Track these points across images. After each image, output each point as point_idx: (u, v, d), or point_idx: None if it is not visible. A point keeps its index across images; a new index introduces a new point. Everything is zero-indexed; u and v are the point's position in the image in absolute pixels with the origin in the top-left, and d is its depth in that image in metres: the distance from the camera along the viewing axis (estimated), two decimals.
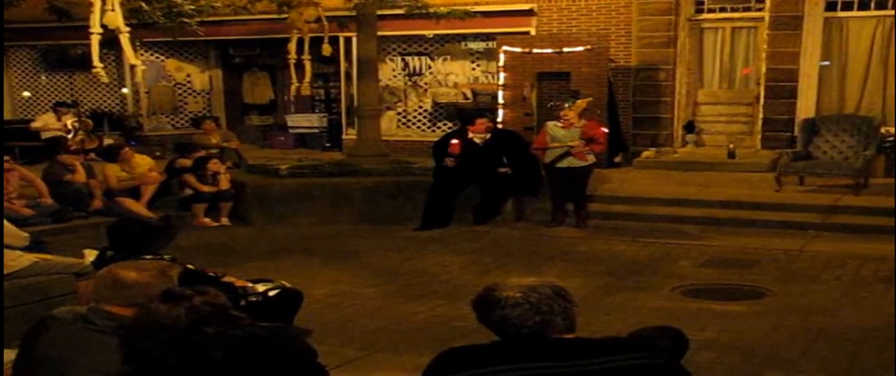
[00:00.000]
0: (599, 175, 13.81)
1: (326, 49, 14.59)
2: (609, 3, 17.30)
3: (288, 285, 7.20)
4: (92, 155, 16.94)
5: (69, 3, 12.87)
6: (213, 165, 13.95)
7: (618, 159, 16.33)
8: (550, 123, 13.04)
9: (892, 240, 10.90)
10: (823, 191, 13.56)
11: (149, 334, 3.13)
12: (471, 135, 13.41)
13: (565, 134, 12.71)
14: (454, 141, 13.24)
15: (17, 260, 7.44)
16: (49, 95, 23.11)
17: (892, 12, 15.63)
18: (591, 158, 12.85)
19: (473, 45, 19.58)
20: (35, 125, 19.46)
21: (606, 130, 14.15)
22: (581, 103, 13.25)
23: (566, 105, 13.17)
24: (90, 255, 7.21)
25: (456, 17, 15.43)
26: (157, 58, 22.09)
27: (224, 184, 13.88)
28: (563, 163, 12.70)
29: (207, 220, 13.61)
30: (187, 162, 14.39)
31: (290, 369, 3.43)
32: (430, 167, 13.70)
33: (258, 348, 3.30)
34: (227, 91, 23.26)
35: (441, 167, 13.30)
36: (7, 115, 20.90)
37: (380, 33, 15.37)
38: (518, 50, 16.68)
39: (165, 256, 6.27)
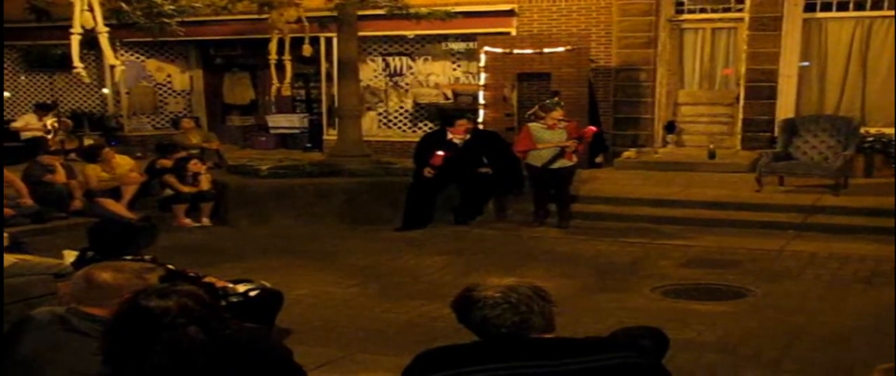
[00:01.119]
0: (580, 175, 13.83)
1: (307, 49, 14.56)
2: (589, 4, 17.32)
3: (268, 285, 7.23)
4: (72, 155, 16.88)
5: (49, 3, 12.79)
6: (194, 166, 13.92)
7: (599, 159, 16.35)
8: (533, 125, 12.99)
9: (872, 240, 10.98)
10: (803, 191, 13.61)
11: (136, 329, 3.12)
12: (450, 136, 13.40)
13: (552, 134, 12.71)
14: (439, 153, 13.14)
15: None
16: (29, 96, 23.01)
17: (871, 13, 15.71)
18: (575, 158, 12.90)
19: (454, 46, 19.56)
20: (15, 125, 19.37)
21: (595, 128, 14.23)
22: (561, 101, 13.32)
23: (547, 102, 13.15)
24: (70, 256, 7.20)
25: (437, 18, 15.40)
26: (138, 58, 21.98)
27: (205, 184, 13.85)
28: (556, 165, 12.72)
29: (188, 221, 13.57)
30: (168, 162, 14.34)
31: (266, 369, 3.42)
32: (411, 167, 13.68)
33: (233, 348, 3.29)
34: (208, 91, 23.17)
35: (421, 169, 13.26)
36: None
37: (361, 34, 15.35)
38: (499, 50, 16.67)
39: (146, 257, 6.27)
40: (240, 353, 3.32)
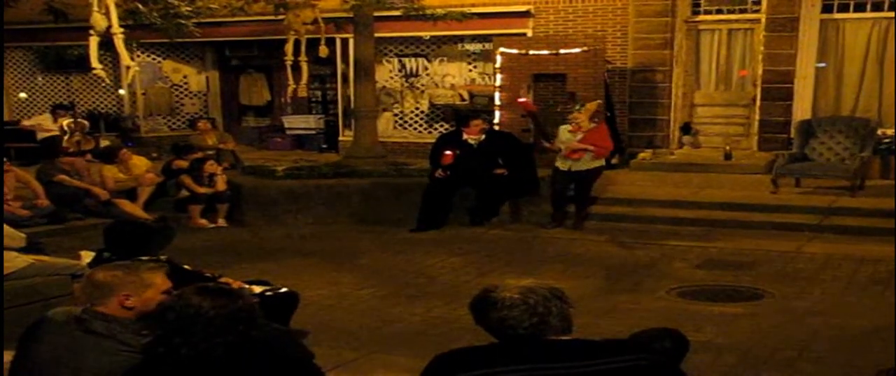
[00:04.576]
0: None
1: (323, 50, 14.55)
2: (606, 5, 17.28)
3: (284, 287, 7.23)
4: (88, 156, 16.92)
5: (66, 4, 12.84)
6: (210, 167, 13.94)
7: (614, 161, 16.26)
8: (563, 126, 13.06)
9: (889, 242, 10.92)
10: (820, 192, 13.57)
11: (181, 324, 3.15)
12: (465, 136, 13.41)
13: (570, 137, 12.73)
14: (447, 152, 13.18)
15: (14, 260, 7.45)
16: (46, 96, 23.06)
17: (889, 14, 15.64)
18: (596, 162, 12.86)
19: (470, 47, 19.54)
20: (26, 123, 19.44)
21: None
22: (591, 106, 13.18)
23: (576, 108, 13.13)
24: (87, 257, 7.21)
25: (453, 19, 15.39)
26: (154, 59, 22.04)
27: (220, 185, 13.86)
28: (565, 166, 12.72)
29: (204, 222, 13.59)
30: (184, 163, 14.37)
31: (286, 371, 3.43)
32: (427, 168, 13.69)
33: (256, 350, 3.30)
34: (224, 92, 23.24)
35: (436, 170, 13.28)
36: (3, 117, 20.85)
37: (376, 35, 15.35)
38: (515, 51, 16.64)
39: (162, 258, 6.28)
40: (261, 354, 3.33)
